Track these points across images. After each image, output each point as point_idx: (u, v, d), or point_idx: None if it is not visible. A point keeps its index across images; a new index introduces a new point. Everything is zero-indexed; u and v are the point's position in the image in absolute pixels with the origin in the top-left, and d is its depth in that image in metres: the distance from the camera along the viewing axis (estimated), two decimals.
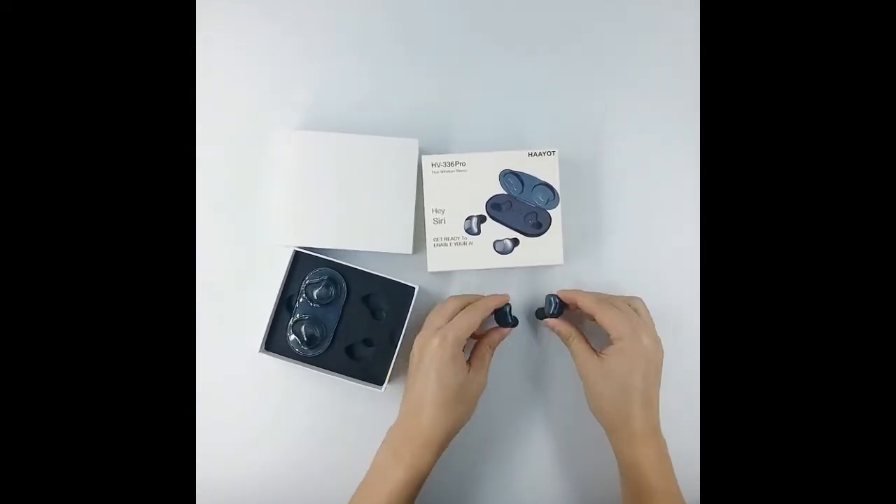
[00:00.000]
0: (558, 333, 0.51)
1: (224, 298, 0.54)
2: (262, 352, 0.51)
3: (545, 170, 0.52)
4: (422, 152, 0.53)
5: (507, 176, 0.52)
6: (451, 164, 0.52)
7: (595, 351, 0.48)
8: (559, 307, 0.53)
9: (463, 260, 0.51)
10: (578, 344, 0.49)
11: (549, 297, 0.54)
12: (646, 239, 0.56)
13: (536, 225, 0.51)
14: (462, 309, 0.48)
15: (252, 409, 0.54)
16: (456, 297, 0.50)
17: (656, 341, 0.47)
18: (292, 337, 0.51)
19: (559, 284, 0.55)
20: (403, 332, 0.52)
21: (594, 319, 0.49)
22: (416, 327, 0.50)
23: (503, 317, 0.51)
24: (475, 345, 0.50)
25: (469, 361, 0.48)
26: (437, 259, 0.51)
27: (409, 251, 0.52)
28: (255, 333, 0.51)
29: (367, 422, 0.52)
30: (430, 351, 0.46)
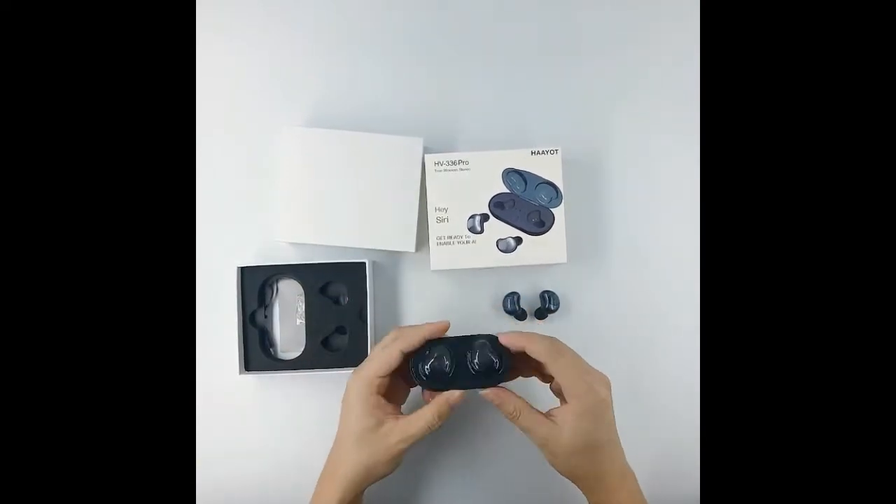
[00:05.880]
0: (501, 409, 0.44)
1: (226, 293, 0.54)
2: (243, 374, 0.52)
3: (548, 168, 0.52)
4: (426, 151, 0.53)
5: (510, 174, 0.52)
6: (454, 162, 0.52)
7: (545, 416, 0.44)
8: (557, 303, 0.54)
9: (466, 258, 0.52)
10: (529, 417, 0.43)
11: (543, 293, 0.54)
12: (648, 237, 0.56)
13: (539, 223, 0.52)
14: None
15: (250, 420, 0.55)
16: (397, 328, 0.47)
17: (605, 383, 0.44)
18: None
19: (563, 283, 0.55)
20: (370, 307, 0.53)
21: (539, 369, 0.46)
22: (382, 299, 0.54)
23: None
24: (436, 397, 0.45)
25: (413, 410, 0.45)
26: (441, 257, 0.52)
27: (413, 249, 0.52)
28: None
29: None
30: (347, 387, 0.46)
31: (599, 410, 0.43)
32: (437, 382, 0.45)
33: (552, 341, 0.45)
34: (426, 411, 0.44)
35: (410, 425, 0.44)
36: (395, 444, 0.44)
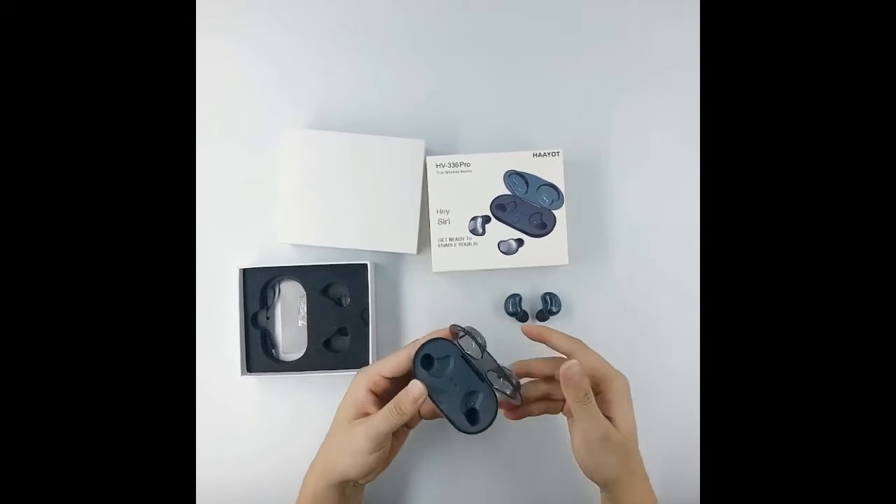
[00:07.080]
0: (568, 388, 0.41)
1: (228, 294, 0.54)
2: (245, 375, 0.52)
3: (550, 170, 0.52)
4: (427, 153, 0.53)
5: (512, 176, 0.52)
6: (455, 164, 0.52)
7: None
8: (559, 305, 0.54)
9: (468, 260, 0.52)
10: (593, 408, 0.42)
11: (544, 295, 0.54)
12: (649, 238, 0.56)
13: (541, 225, 0.52)
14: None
15: (251, 421, 0.55)
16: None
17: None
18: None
19: (564, 284, 0.55)
20: (371, 308, 0.53)
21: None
22: (383, 301, 0.54)
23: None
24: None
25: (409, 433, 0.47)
26: (442, 259, 0.52)
27: (414, 251, 0.52)
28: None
29: None
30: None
31: (627, 395, 0.44)
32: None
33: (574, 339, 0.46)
34: (388, 405, 0.42)
35: (375, 419, 0.41)
36: (362, 441, 0.41)
